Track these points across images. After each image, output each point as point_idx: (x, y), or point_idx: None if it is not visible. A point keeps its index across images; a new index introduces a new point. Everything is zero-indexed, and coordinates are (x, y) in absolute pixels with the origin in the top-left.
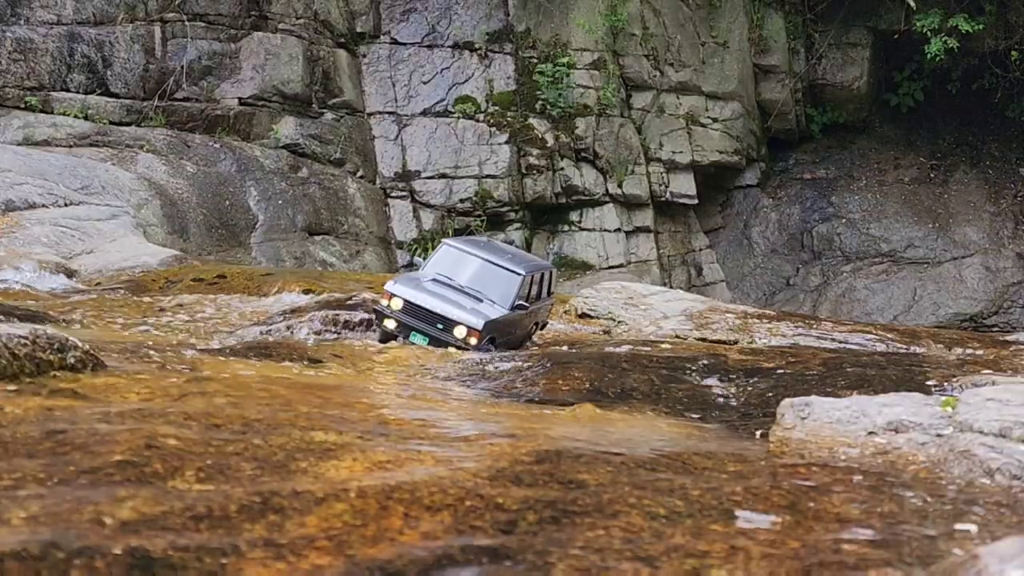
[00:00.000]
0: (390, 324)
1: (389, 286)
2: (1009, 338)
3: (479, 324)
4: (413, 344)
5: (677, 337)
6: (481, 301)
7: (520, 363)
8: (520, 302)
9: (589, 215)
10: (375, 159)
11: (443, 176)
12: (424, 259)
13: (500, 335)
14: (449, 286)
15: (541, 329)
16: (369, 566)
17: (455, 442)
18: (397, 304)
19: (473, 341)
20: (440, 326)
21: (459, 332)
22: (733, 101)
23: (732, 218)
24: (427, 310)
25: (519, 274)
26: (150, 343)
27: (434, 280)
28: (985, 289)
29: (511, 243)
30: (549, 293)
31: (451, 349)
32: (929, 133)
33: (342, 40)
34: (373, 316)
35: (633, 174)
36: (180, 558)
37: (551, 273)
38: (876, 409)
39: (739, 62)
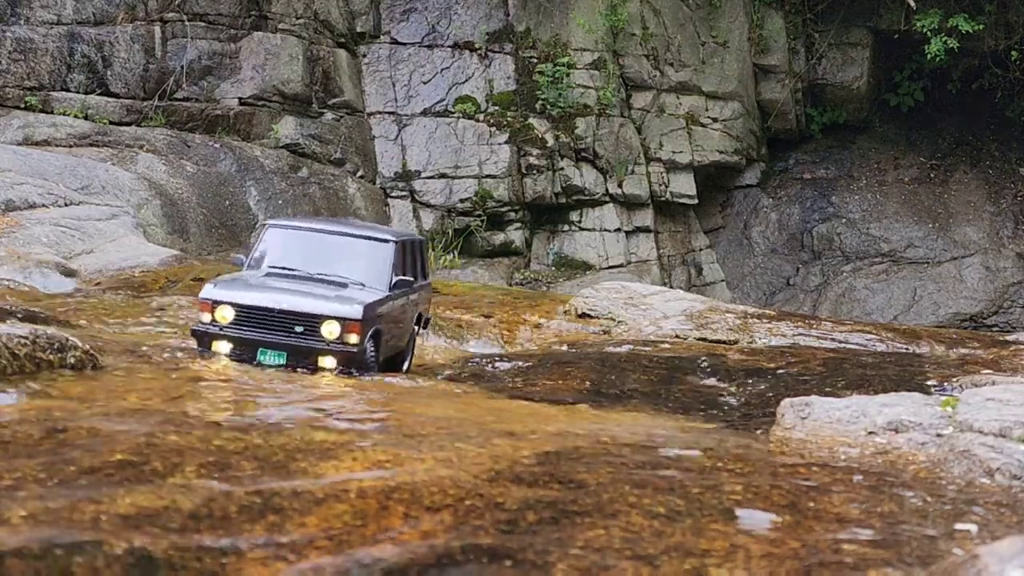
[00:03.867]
0: (222, 347)
1: (208, 292)
2: (1009, 338)
3: (356, 312)
4: (263, 365)
5: (677, 337)
6: (346, 286)
7: (519, 363)
8: (402, 277)
9: (589, 215)
10: (375, 159)
11: (443, 176)
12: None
13: (387, 330)
14: (294, 276)
15: (424, 327)
16: (369, 566)
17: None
18: (226, 315)
19: (354, 339)
20: (300, 329)
21: (329, 331)
22: (733, 101)
23: (732, 218)
24: (277, 311)
25: (389, 242)
26: (150, 343)
27: (270, 274)
28: (985, 289)
29: (511, 243)
30: (424, 275)
31: (324, 368)
32: (929, 133)
33: (342, 40)
34: (195, 343)
35: (633, 174)
36: (180, 558)
37: (423, 246)
38: (876, 409)
39: (739, 62)
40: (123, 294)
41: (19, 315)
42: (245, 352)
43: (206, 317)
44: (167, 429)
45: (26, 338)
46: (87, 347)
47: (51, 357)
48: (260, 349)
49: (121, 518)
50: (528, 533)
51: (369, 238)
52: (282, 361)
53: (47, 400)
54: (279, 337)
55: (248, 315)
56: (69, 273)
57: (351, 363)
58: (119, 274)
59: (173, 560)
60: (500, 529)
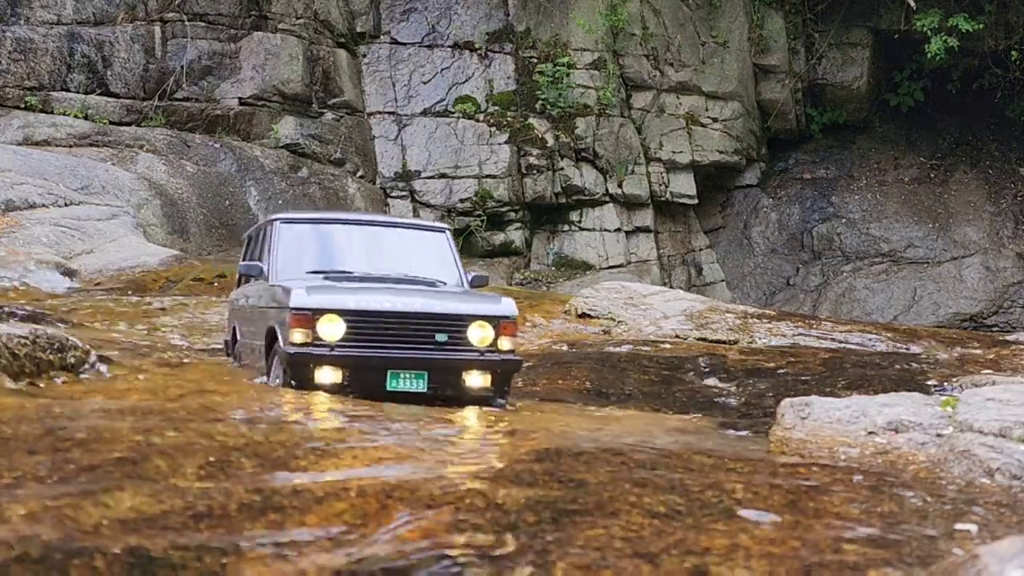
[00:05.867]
0: (327, 375)
1: (302, 300)
2: (1009, 338)
3: (510, 308)
4: (395, 394)
5: (677, 337)
6: (434, 285)
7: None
8: (478, 274)
9: (589, 215)
10: (375, 159)
11: (443, 176)
12: (243, 256)
13: None
14: (366, 279)
15: None
16: (369, 565)
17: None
18: (333, 330)
19: (508, 344)
20: (443, 337)
21: (480, 336)
22: (733, 101)
23: (732, 218)
24: (412, 315)
25: (443, 230)
26: (150, 343)
27: (329, 278)
28: (985, 289)
29: (511, 243)
30: None
31: (470, 390)
32: (929, 133)
33: (342, 40)
34: (280, 373)
35: (633, 174)
36: (180, 557)
37: None
38: (876, 409)
39: (739, 62)
40: (123, 294)
41: (19, 315)
42: (364, 379)
43: (300, 335)
44: (167, 428)
45: (26, 338)
46: (87, 347)
47: (51, 357)
48: (390, 372)
49: (120, 517)
50: (528, 531)
51: (418, 227)
52: (421, 386)
53: (47, 399)
54: (415, 351)
55: (369, 325)
56: (69, 273)
57: (506, 380)
58: (119, 274)
59: (173, 559)
60: (500, 528)
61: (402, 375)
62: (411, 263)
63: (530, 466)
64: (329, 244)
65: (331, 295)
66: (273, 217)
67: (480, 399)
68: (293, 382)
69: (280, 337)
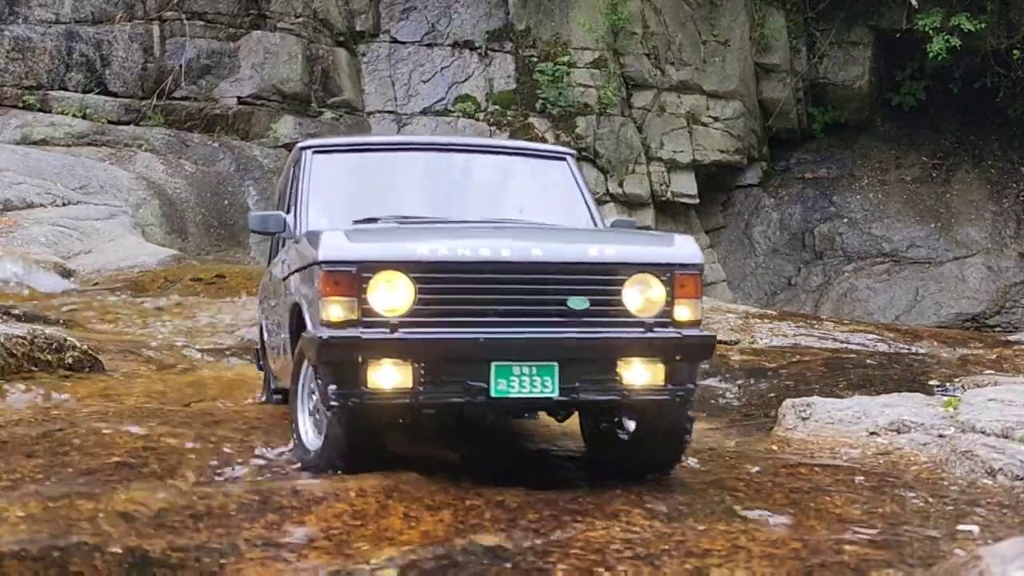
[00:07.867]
0: (392, 376)
1: (340, 248)
2: (1011, 338)
3: (691, 253)
4: (502, 403)
5: None
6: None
7: None
8: (620, 218)
9: None
10: None
11: None
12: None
13: None
14: (449, 223)
15: None
16: (369, 566)
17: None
18: (394, 295)
19: (689, 313)
20: (580, 301)
21: (643, 297)
22: (734, 100)
23: (733, 218)
24: (518, 267)
25: (565, 156)
26: (148, 343)
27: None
28: (987, 289)
29: None
30: None
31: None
32: (931, 132)
33: (341, 39)
34: (311, 359)
35: (634, 173)
36: (179, 557)
37: None
38: (878, 409)
39: (740, 61)
40: (121, 294)
41: (17, 315)
42: (450, 380)
43: (339, 309)
44: (165, 429)
45: (24, 338)
46: (85, 347)
47: (49, 357)
48: (495, 366)
49: (119, 518)
50: (528, 533)
51: (526, 153)
52: (550, 388)
53: (45, 400)
54: (536, 329)
55: (455, 287)
56: (67, 273)
57: (689, 374)
58: (117, 274)
59: (172, 560)
60: (500, 529)
61: (515, 370)
62: (516, 205)
63: (531, 466)
64: (387, 181)
65: (388, 240)
66: (303, 144)
67: (647, 408)
68: (332, 387)
69: (307, 316)
